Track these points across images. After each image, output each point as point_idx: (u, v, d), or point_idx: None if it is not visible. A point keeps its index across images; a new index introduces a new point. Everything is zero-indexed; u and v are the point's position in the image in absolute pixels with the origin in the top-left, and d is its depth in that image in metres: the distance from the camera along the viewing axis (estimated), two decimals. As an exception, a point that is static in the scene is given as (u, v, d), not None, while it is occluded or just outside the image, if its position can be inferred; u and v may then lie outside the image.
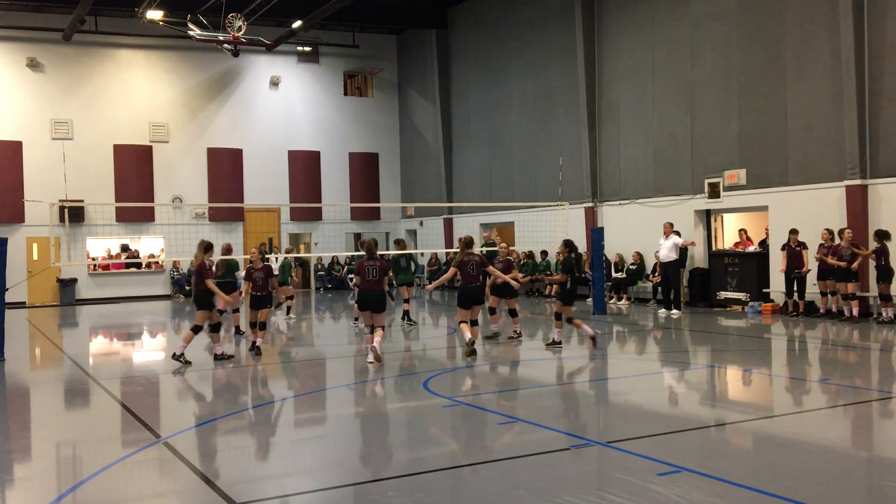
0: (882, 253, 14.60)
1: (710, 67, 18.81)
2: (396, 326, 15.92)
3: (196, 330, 11.90)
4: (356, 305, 12.24)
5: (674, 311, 17.23)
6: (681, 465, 6.16)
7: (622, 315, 17.88)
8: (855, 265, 14.95)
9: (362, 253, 12.16)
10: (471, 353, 11.64)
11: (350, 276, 24.67)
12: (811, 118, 16.68)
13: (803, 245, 16.18)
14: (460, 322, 11.98)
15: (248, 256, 15.39)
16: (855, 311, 15.21)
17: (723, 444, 7.23)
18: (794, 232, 16.29)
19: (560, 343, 12.50)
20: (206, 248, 11.99)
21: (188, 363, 11.64)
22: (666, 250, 17.44)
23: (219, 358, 12.00)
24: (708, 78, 18.88)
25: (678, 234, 17.84)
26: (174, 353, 11.81)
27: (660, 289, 18.86)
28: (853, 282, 15.15)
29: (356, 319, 16.05)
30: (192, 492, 6.01)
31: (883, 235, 14.68)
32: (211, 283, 11.93)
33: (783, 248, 16.55)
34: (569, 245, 12.81)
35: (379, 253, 12.16)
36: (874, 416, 8.06)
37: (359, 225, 30.42)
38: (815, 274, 15.99)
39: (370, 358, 11.33)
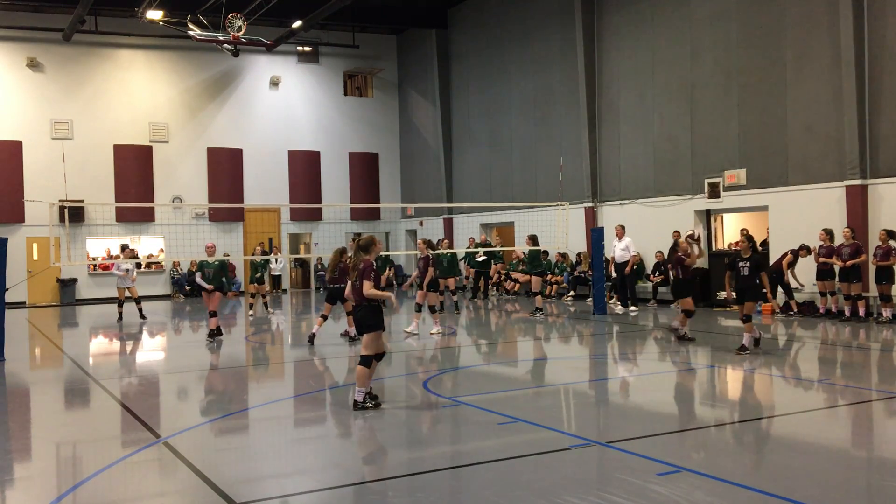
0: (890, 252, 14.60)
1: (710, 67, 18.80)
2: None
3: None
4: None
5: (631, 308, 18.20)
6: (681, 465, 6.16)
7: (622, 315, 17.86)
8: (852, 262, 14.93)
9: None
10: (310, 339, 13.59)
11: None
12: (811, 118, 16.68)
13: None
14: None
15: (248, 257, 15.38)
16: (848, 310, 15.28)
17: (723, 444, 7.23)
18: (803, 248, 16.12)
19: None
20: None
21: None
22: (620, 251, 18.52)
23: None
24: (708, 78, 18.87)
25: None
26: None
27: (661, 286, 18.89)
28: (856, 282, 15.14)
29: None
30: (192, 492, 6.01)
31: (890, 235, 14.69)
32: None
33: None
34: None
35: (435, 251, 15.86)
36: (874, 416, 8.06)
37: (359, 225, 30.38)
38: (814, 274, 15.99)
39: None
